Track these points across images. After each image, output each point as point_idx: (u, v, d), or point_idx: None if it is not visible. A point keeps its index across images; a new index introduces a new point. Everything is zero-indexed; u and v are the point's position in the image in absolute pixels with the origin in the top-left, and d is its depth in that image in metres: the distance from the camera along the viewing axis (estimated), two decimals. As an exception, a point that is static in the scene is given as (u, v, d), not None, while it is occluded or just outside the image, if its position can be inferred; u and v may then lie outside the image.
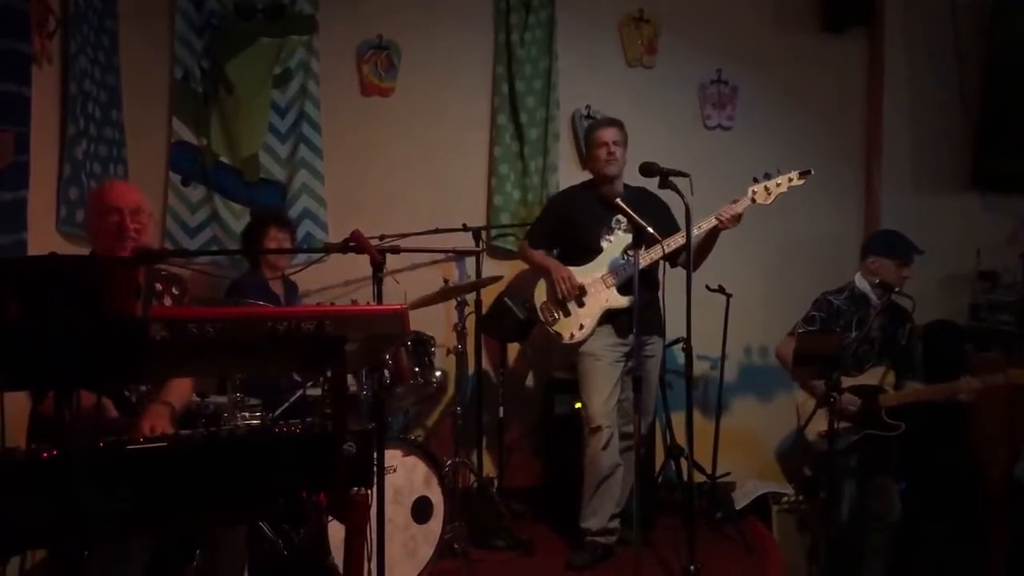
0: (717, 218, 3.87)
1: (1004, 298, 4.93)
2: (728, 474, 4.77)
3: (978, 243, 5.07)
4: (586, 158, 4.25)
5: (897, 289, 4.01)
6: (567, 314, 4.11)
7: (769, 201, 3.94)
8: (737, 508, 4.67)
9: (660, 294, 3.91)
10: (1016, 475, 3.11)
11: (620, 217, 4.02)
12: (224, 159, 4.76)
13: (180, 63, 4.71)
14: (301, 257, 4.57)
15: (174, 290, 3.03)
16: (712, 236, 3.94)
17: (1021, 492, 3.73)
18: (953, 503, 4.40)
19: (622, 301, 4.03)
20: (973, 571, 4.23)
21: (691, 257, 3.53)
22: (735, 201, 3.91)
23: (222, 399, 3.47)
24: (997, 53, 5.03)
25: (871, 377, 4.02)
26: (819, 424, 3.88)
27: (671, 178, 3.53)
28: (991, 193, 5.20)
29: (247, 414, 3.46)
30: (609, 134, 4.11)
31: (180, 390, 2.91)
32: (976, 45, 5.13)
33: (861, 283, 4.11)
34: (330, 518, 2.64)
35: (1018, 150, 4.99)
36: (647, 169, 3.58)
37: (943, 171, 5.25)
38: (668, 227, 3.94)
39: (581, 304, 4.08)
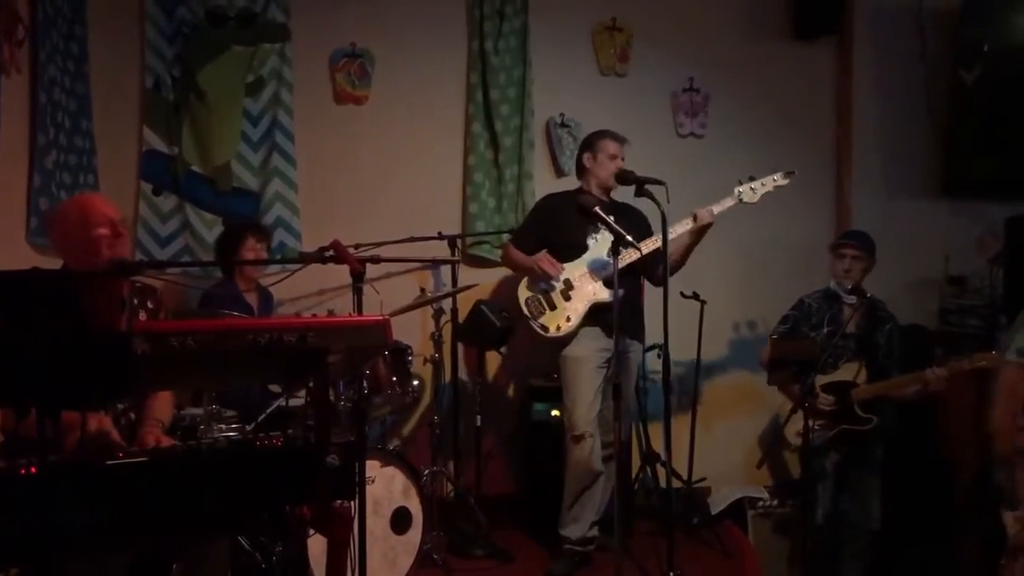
0: (694, 216, 3.90)
1: (972, 302, 5.01)
2: (704, 479, 4.79)
3: (947, 248, 5.15)
4: (591, 161, 4.16)
5: (869, 295, 4.07)
6: (553, 307, 4.09)
7: (756, 200, 4.04)
8: (713, 513, 4.69)
9: (643, 301, 3.95)
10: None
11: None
12: (196, 168, 4.70)
13: (151, 71, 4.65)
14: (275, 266, 4.54)
15: (149, 304, 2.99)
16: (689, 246, 3.97)
17: (992, 490, 3.78)
18: (927, 502, 4.46)
19: (608, 295, 4.02)
20: (948, 570, 4.29)
21: (667, 262, 3.55)
22: (715, 203, 3.96)
23: (198, 411, 3.43)
24: (963, 60, 5.11)
25: (846, 373, 4.09)
26: (799, 424, 3.93)
27: (647, 186, 3.56)
28: (959, 198, 5.28)
29: (223, 426, 3.43)
30: (620, 149, 4.14)
31: (164, 404, 2.87)
32: (943, 52, 5.22)
33: (834, 283, 4.21)
34: (311, 531, 2.62)
35: (985, 156, 5.07)
36: (623, 177, 3.62)
37: (912, 177, 5.34)
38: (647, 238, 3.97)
39: (568, 297, 4.08)
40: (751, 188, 4.01)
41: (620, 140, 4.19)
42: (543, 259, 4.07)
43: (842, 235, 4.39)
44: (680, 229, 3.92)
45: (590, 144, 4.23)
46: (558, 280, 4.06)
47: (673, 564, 3.43)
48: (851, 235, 4.29)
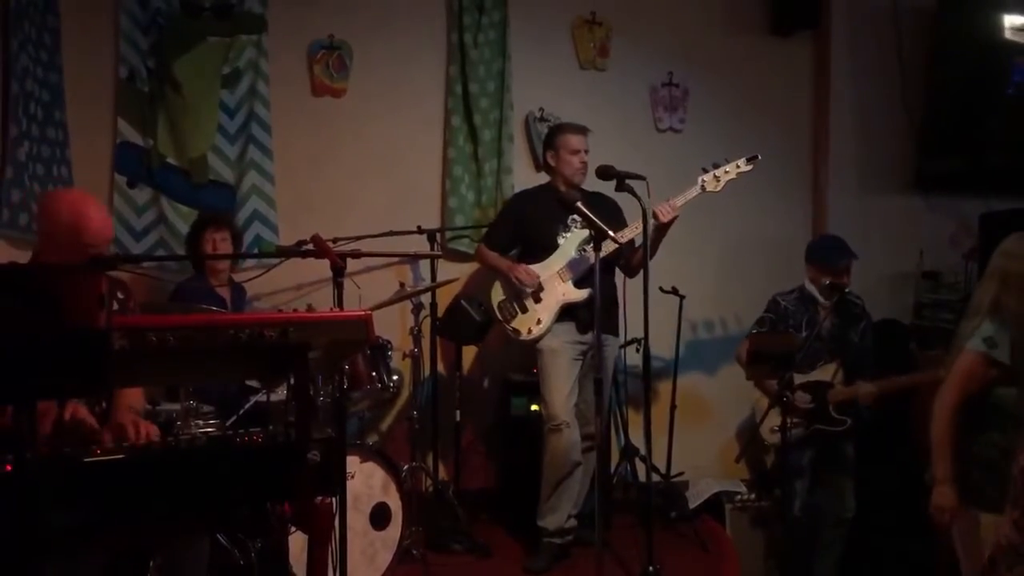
0: (655, 214, 3.87)
1: (947, 297, 5.07)
2: (682, 473, 4.81)
3: (921, 243, 5.21)
4: (551, 157, 4.20)
5: (848, 290, 4.08)
6: (524, 310, 4.12)
7: (719, 189, 3.99)
8: (691, 507, 4.70)
9: (618, 296, 3.95)
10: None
11: (577, 216, 4.03)
12: (171, 160, 4.64)
13: (125, 62, 4.59)
14: (251, 260, 4.51)
15: (119, 294, 2.95)
16: (655, 240, 3.93)
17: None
18: (902, 495, 4.50)
19: (578, 294, 4.05)
20: (922, 561, 4.33)
21: (647, 254, 3.54)
22: (675, 196, 3.94)
23: (175, 406, 3.39)
24: (939, 57, 5.16)
25: (823, 374, 4.11)
26: (773, 421, 3.95)
27: (627, 181, 3.55)
28: (934, 194, 5.34)
29: (200, 422, 3.39)
30: (582, 142, 4.15)
31: (135, 393, 2.84)
32: (919, 49, 5.27)
33: (809, 285, 4.19)
34: (291, 528, 2.60)
35: (959, 152, 5.12)
36: (604, 172, 3.60)
37: (887, 173, 5.38)
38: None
39: (538, 300, 4.10)
40: (714, 176, 3.97)
41: (581, 131, 4.19)
42: (520, 269, 4.10)
43: (837, 253, 4.11)
44: (637, 228, 3.85)
45: (550, 142, 4.25)
46: (533, 287, 4.09)
47: (652, 558, 3.43)
48: (846, 250, 4.11)
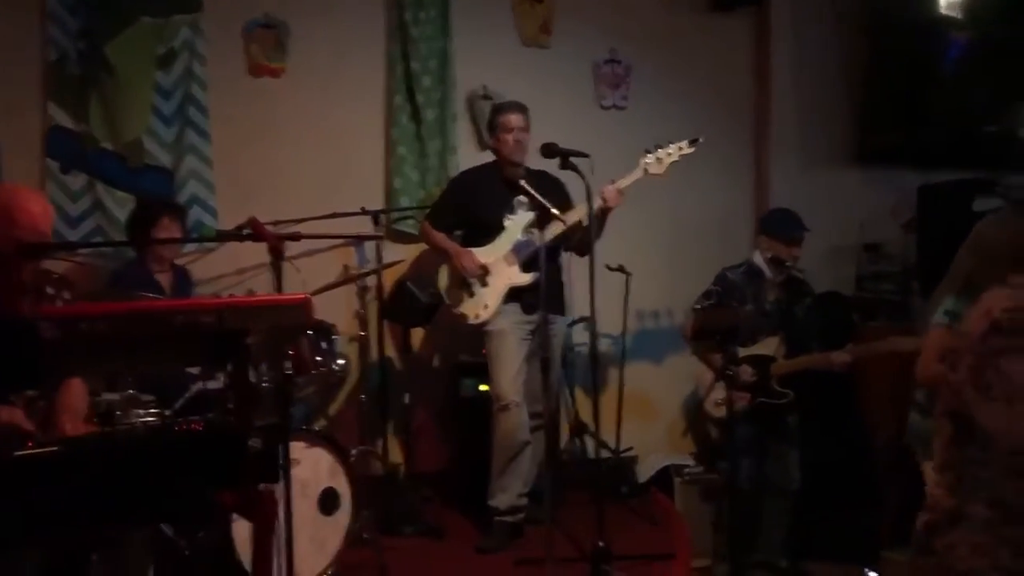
0: (602, 197, 3.86)
1: (887, 268, 5.16)
2: (631, 449, 4.85)
3: (862, 216, 5.28)
4: (492, 139, 4.19)
5: (788, 263, 4.14)
6: (471, 295, 4.09)
7: (662, 171, 3.99)
8: (641, 482, 4.75)
9: (564, 277, 3.95)
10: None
11: (522, 198, 4.02)
12: (106, 144, 4.49)
13: (55, 44, 4.43)
14: (191, 246, 4.41)
15: (65, 294, 2.87)
16: (602, 217, 3.94)
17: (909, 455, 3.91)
18: (846, 467, 4.59)
19: (525, 278, 4.04)
20: (867, 532, 4.42)
21: (593, 235, 3.55)
22: (619, 178, 3.93)
23: (115, 396, 3.31)
24: (878, 33, 5.22)
25: (765, 347, 4.16)
26: (717, 394, 4.00)
27: (571, 159, 3.55)
28: (874, 167, 5.42)
29: (142, 411, 3.31)
30: (518, 120, 4.10)
31: (78, 394, 2.76)
32: (858, 23, 5.32)
33: (757, 259, 4.24)
34: (235, 516, 2.56)
35: (899, 125, 5.20)
36: (548, 150, 3.59)
37: (828, 147, 5.45)
38: (568, 208, 3.96)
39: (485, 284, 4.07)
40: (657, 158, 3.97)
41: (518, 109, 4.14)
42: (465, 256, 4.06)
43: (795, 224, 4.20)
44: (584, 210, 3.83)
45: (490, 123, 4.22)
46: (476, 276, 4.07)
47: (602, 534, 3.45)
48: (801, 223, 4.19)
